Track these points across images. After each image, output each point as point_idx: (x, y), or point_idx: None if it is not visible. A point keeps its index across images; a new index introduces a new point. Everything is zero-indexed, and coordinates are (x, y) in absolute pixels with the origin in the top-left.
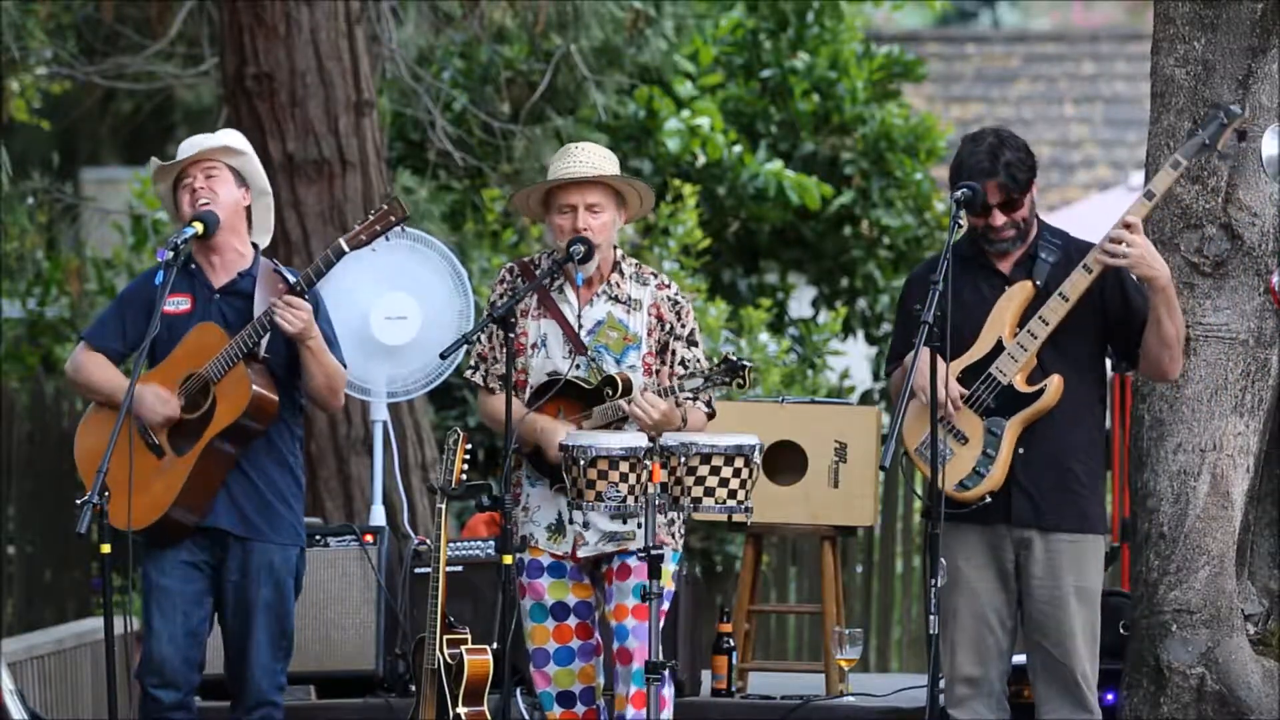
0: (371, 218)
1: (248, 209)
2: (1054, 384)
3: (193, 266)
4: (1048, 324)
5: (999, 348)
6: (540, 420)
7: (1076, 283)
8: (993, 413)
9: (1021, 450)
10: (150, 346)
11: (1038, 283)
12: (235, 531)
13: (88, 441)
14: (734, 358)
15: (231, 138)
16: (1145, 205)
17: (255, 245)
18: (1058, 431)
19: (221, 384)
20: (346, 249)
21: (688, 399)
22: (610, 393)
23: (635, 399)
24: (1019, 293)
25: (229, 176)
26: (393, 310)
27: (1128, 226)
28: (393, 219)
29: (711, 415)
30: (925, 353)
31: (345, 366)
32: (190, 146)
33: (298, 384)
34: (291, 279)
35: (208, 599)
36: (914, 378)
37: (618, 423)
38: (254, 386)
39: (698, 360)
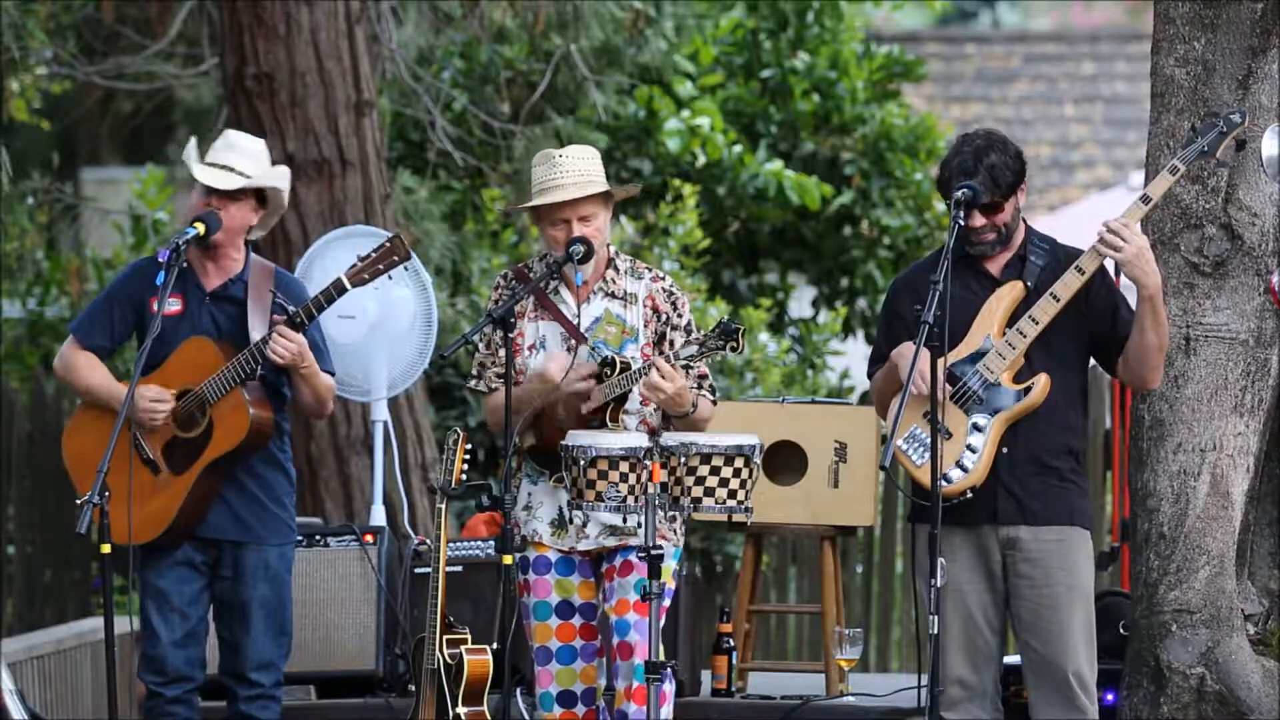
0: (374, 255)
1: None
2: (1041, 383)
3: (185, 265)
4: (1038, 323)
5: (987, 345)
6: (529, 383)
7: (1069, 283)
8: (978, 409)
9: (1005, 449)
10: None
11: (1028, 284)
12: (230, 537)
13: (76, 443)
14: (727, 320)
15: (279, 179)
16: (1140, 209)
17: (248, 243)
18: (1042, 430)
19: (219, 407)
20: (348, 286)
21: (693, 388)
22: (609, 373)
23: (655, 363)
24: (1009, 292)
25: (250, 199)
26: (344, 309)
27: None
28: (395, 259)
29: (714, 403)
30: (925, 354)
31: (334, 374)
32: (233, 152)
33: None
34: (290, 310)
35: (205, 598)
36: (913, 374)
37: (616, 401)
38: (251, 412)
39: None
